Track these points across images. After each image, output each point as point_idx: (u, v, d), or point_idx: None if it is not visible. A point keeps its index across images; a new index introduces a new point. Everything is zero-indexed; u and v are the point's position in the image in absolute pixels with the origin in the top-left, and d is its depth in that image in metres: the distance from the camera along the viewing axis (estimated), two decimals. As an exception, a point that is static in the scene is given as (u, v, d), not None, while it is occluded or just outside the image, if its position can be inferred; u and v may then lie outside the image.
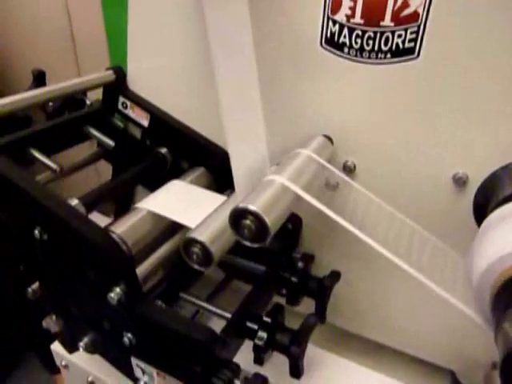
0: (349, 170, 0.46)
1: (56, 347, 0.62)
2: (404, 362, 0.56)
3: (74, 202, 0.44)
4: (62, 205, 0.38)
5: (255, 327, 0.41)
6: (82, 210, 0.44)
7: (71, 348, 0.49)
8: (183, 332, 0.36)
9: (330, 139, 0.46)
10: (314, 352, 0.54)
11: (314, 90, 0.45)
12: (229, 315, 0.43)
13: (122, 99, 0.55)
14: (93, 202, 0.46)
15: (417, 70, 0.39)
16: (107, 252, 0.37)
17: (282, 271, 0.49)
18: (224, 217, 0.39)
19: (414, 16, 0.37)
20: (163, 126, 0.54)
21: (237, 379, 0.38)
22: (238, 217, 0.33)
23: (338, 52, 0.42)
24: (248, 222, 0.32)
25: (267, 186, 0.35)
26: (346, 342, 0.59)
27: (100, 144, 0.58)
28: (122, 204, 0.61)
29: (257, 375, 0.38)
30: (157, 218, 0.45)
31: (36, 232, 0.40)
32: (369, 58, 0.41)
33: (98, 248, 0.37)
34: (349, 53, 0.41)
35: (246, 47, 0.39)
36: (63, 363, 0.61)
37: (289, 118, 0.47)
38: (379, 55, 0.40)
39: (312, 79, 0.44)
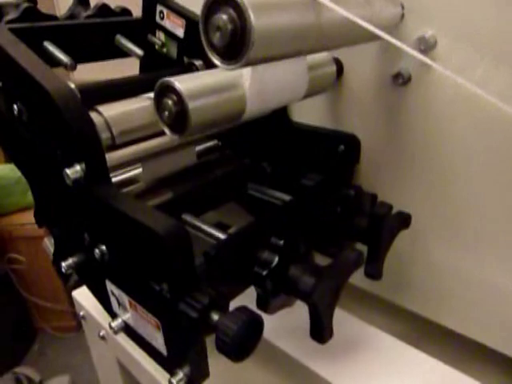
0: (426, 47, 0.31)
1: (77, 295, 0.56)
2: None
3: (71, 85, 0.37)
4: (40, 65, 0.31)
5: (257, 249, 0.28)
6: (77, 95, 0.36)
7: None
8: (141, 220, 0.25)
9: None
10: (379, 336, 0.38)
11: None
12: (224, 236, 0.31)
13: (159, 8, 0.48)
14: (95, 93, 0.38)
15: None
16: (72, 120, 0.28)
17: (319, 205, 0.35)
18: (222, 78, 0.28)
19: None
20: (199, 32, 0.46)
21: (215, 312, 0.25)
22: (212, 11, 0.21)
23: None
24: (224, 16, 0.20)
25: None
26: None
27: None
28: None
29: (243, 308, 0.25)
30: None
31: (15, 107, 0.33)
32: None
33: (60, 111, 0.28)
34: None
35: None
36: (81, 314, 0.56)
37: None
38: None
39: None
